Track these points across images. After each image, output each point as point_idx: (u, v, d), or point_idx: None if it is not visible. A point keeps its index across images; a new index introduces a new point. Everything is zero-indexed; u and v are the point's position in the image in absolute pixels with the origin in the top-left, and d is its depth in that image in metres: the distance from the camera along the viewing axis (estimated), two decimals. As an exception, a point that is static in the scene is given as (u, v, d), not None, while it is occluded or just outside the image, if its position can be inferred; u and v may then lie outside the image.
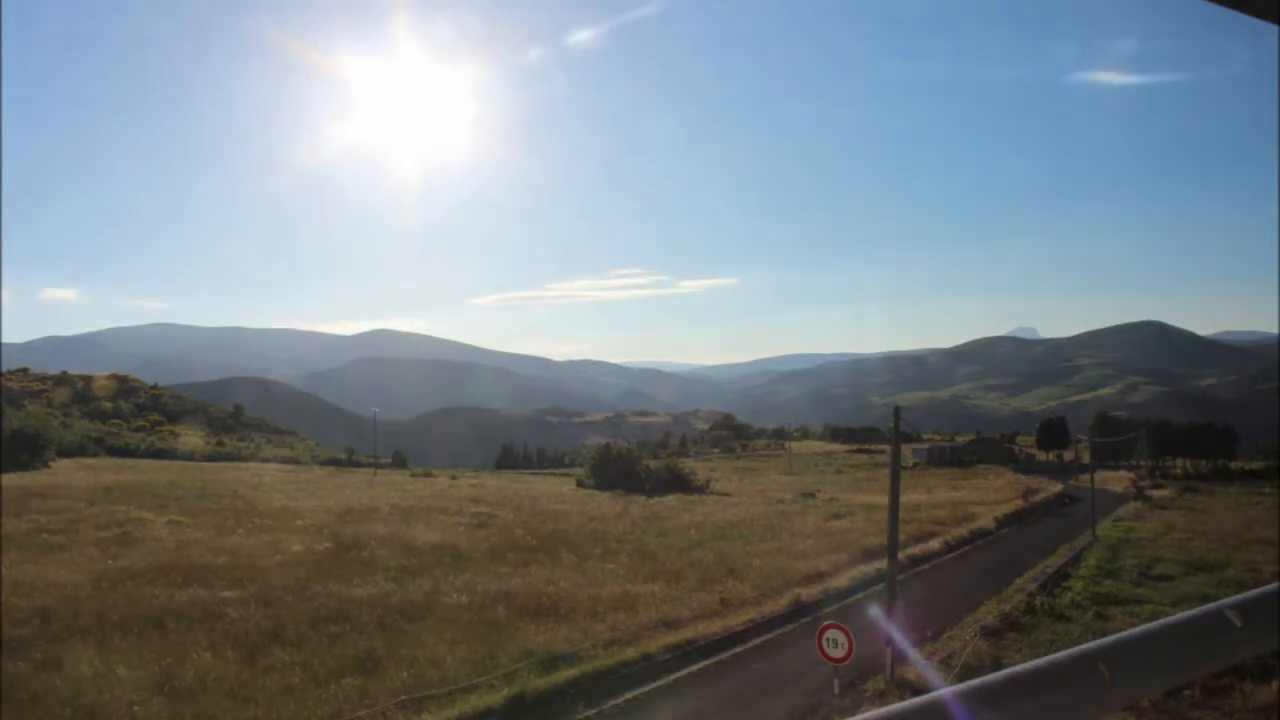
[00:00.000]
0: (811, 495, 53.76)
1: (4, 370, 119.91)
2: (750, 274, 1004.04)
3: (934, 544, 34.35)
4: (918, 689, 16.69)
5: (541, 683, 16.49)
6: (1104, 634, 1.38)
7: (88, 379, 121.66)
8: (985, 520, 41.98)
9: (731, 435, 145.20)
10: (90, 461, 66.33)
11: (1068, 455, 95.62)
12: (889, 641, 18.05)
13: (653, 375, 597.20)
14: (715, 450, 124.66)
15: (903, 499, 22.62)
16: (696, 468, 70.87)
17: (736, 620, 21.81)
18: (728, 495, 55.92)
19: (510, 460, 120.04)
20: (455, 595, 22.87)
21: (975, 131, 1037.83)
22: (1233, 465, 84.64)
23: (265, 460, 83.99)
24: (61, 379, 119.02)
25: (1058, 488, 62.01)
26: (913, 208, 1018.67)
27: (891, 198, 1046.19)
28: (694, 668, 18.51)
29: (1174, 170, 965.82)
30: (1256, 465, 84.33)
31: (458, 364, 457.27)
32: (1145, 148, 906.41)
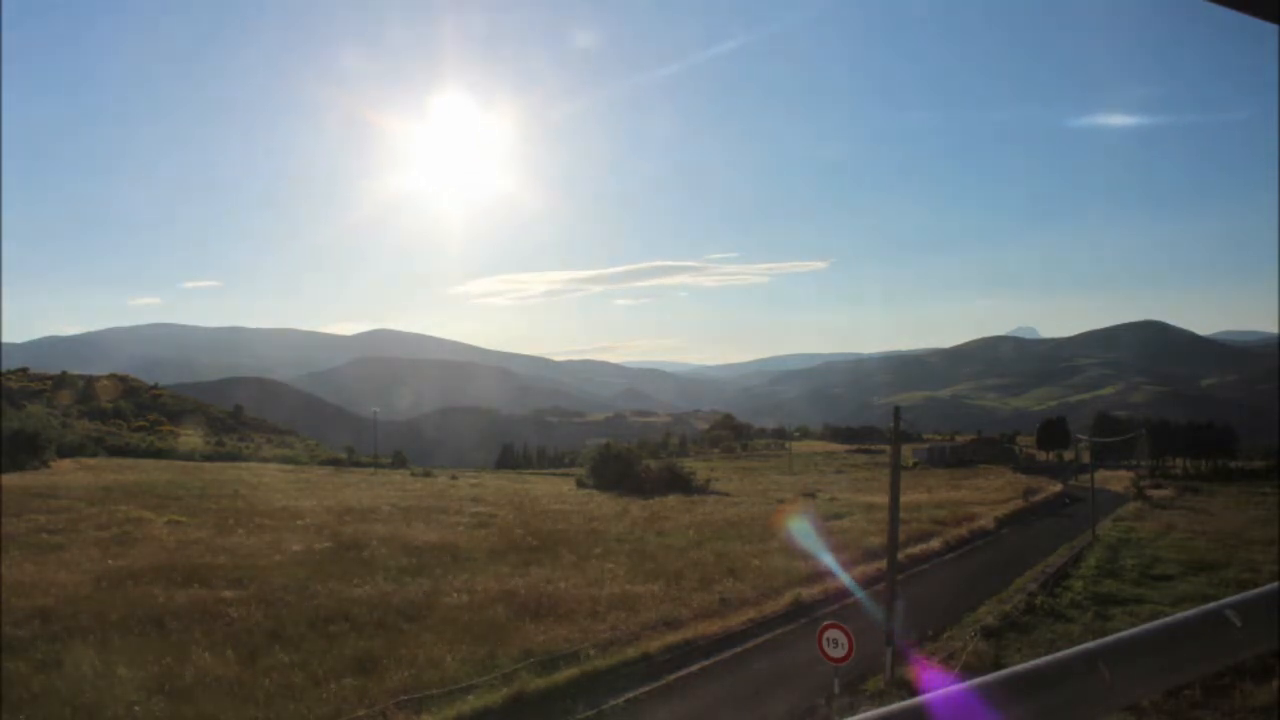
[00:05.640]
0: (812, 495, 53.74)
1: (4, 370, 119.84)
2: (752, 274, 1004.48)
3: (934, 544, 34.37)
4: (917, 689, 16.68)
5: (541, 683, 16.46)
6: (1104, 634, 1.38)
7: (88, 379, 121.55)
8: (985, 520, 41.98)
9: (731, 435, 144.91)
10: (90, 461, 66.23)
11: (1068, 455, 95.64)
12: (889, 641, 18.06)
13: (653, 375, 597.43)
14: (715, 450, 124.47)
15: (903, 499, 22.61)
16: (696, 468, 70.77)
17: (736, 620, 21.79)
18: (728, 495, 55.83)
19: (510, 460, 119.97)
20: (455, 595, 22.82)
21: (978, 142, 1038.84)
22: (1233, 465, 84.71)
23: (265, 460, 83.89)
24: (61, 379, 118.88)
25: (1058, 488, 62.07)
26: (914, 209, 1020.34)
27: (893, 200, 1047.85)
28: (694, 667, 18.50)
29: (1174, 172, 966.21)
30: (1256, 465, 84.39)
31: (458, 364, 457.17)
32: (1146, 155, 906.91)
